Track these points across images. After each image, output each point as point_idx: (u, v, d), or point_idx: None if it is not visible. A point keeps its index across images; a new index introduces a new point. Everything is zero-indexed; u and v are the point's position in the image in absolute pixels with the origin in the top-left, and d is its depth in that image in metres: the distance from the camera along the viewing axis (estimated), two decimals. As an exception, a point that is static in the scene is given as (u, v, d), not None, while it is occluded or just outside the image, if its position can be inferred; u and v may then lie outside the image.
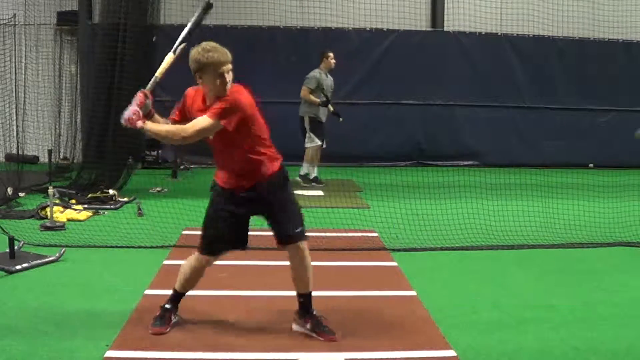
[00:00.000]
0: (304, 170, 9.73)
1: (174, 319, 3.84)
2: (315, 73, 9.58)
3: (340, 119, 9.69)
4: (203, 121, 3.50)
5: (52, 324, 3.87)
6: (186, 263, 3.87)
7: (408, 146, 12.75)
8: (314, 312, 3.81)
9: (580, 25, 12.47)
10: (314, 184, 9.70)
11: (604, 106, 12.88)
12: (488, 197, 7.70)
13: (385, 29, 12.45)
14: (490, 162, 12.23)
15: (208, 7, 3.87)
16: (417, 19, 12.20)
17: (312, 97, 9.50)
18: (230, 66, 3.52)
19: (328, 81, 9.69)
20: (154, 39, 9.20)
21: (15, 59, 11.43)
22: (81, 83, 11.37)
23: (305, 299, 3.82)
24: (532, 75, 12.76)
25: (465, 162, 12.66)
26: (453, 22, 12.73)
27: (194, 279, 3.86)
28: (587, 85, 12.67)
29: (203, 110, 3.57)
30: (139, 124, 3.46)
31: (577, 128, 12.81)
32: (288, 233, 3.71)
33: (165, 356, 3.46)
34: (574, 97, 12.77)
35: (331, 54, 9.71)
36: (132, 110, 3.46)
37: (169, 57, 3.68)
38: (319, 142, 9.61)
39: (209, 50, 3.48)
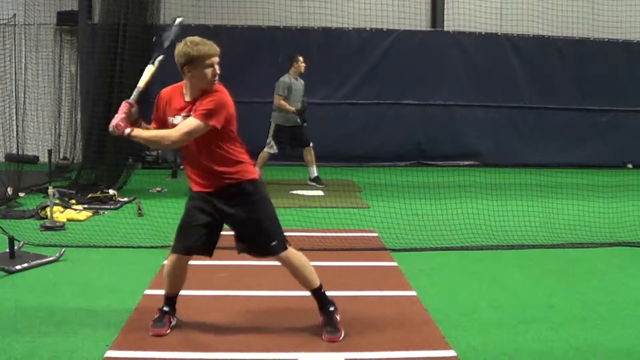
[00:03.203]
0: (313, 173, 9.76)
1: (173, 322, 3.82)
2: (284, 78, 9.45)
3: (304, 124, 9.56)
4: (191, 123, 3.49)
5: (52, 324, 3.87)
6: (166, 264, 3.85)
7: (408, 146, 12.73)
8: (330, 309, 3.80)
9: (580, 25, 12.47)
10: (314, 183, 9.70)
11: (604, 106, 12.87)
12: (488, 197, 7.69)
13: (385, 29, 12.45)
14: (490, 162, 12.22)
15: (180, 22, 3.87)
16: (417, 19, 12.21)
17: (287, 105, 9.41)
18: (218, 59, 3.54)
19: (299, 85, 9.58)
20: (154, 39, 9.20)
21: (15, 59, 11.42)
22: (81, 83, 11.37)
23: (315, 295, 3.82)
24: (532, 75, 12.76)
25: (466, 162, 12.65)
26: (453, 22, 12.72)
27: (177, 280, 3.83)
28: (587, 85, 12.67)
29: (183, 109, 3.57)
30: (127, 131, 3.49)
31: (577, 128, 12.81)
32: (262, 248, 3.72)
33: (165, 356, 3.46)
34: (574, 97, 12.77)
35: (301, 58, 9.56)
36: (119, 118, 3.51)
37: (150, 69, 3.69)
38: (275, 151, 9.51)
39: (198, 43, 3.50)
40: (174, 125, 3.58)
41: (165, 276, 3.83)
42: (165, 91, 3.69)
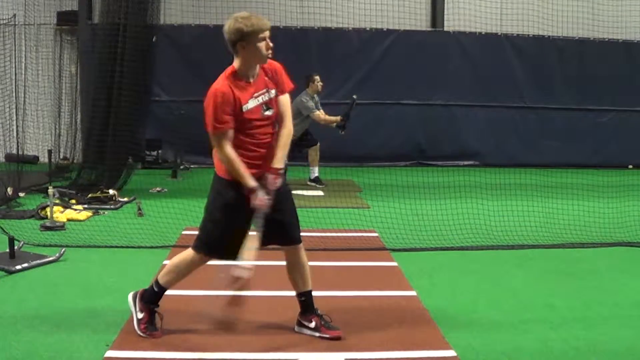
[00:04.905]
0: (314, 173, 9.74)
1: (161, 321, 3.75)
2: (308, 101, 9.21)
3: (342, 132, 9.46)
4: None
5: (52, 324, 3.87)
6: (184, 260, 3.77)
7: (408, 146, 12.74)
8: (318, 311, 3.80)
9: (580, 25, 12.45)
10: (314, 184, 9.70)
11: (604, 106, 12.87)
12: (488, 197, 7.69)
13: (385, 29, 12.45)
14: (490, 162, 12.21)
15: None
16: (417, 19, 12.20)
17: (330, 117, 9.34)
18: (269, 33, 3.45)
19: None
20: (154, 39, 9.20)
21: (15, 59, 11.42)
22: (81, 83, 11.37)
23: (307, 297, 3.80)
24: (532, 75, 12.75)
25: (465, 162, 12.66)
26: (453, 22, 12.72)
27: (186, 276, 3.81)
28: (587, 85, 12.66)
29: (255, 92, 3.48)
30: (278, 183, 3.57)
31: (577, 128, 12.81)
32: None
33: (165, 356, 3.46)
34: (574, 97, 12.76)
35: (317, 77, 9.36)
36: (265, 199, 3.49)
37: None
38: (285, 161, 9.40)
39: (247, 17, 3.39)
40: (249, 112, 3.47)
41: (184, 272, 3.77)
42: (224, 87, 3.44)
